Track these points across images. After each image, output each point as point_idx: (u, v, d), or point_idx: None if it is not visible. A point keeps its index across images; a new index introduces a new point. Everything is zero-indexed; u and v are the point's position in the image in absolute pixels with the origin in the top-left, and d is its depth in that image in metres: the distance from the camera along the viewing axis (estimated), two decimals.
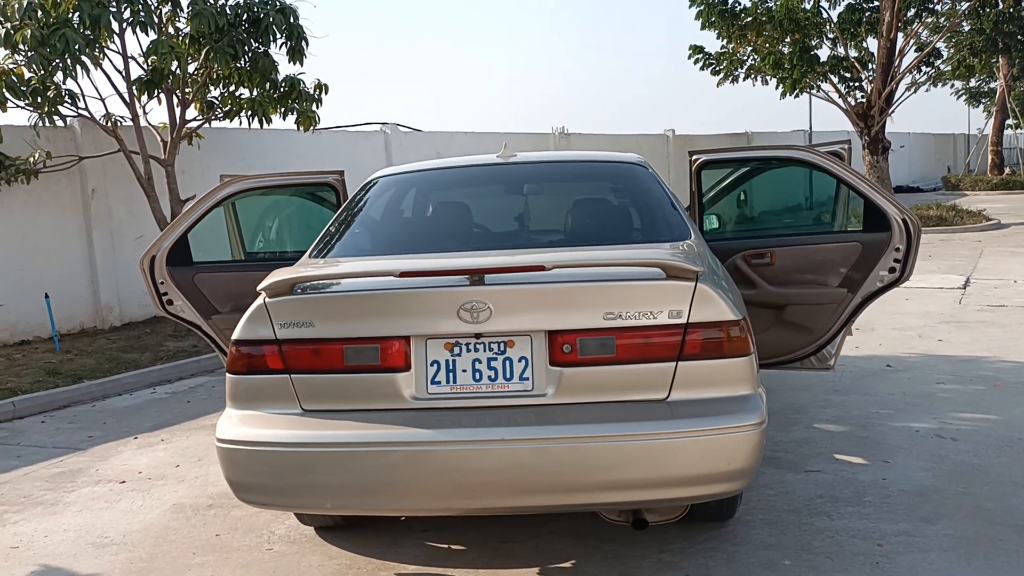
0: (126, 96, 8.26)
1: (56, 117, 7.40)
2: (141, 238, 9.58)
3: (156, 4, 7.89)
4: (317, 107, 9.05)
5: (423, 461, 2.74)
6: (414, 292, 2.87)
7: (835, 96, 18.65)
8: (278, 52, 8.58)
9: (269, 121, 8.74)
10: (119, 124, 8.60)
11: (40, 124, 7.50)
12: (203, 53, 7.87)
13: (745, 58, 19.22)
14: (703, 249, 3.42)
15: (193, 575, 3.60)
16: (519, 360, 2.85)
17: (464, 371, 2.86)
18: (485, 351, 2.86)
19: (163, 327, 9.27)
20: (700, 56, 19.45)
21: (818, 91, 18.77)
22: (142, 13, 7.45)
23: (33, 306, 8.61)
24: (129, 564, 3.73)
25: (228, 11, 8.04)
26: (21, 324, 8.69)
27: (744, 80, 19.80)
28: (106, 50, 7.77)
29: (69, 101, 7.51)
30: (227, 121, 9.03)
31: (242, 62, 8.22)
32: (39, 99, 7.19)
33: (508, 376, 2.85)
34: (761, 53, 18.64)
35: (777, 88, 18.43)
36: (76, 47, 6.85)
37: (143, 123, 8.58)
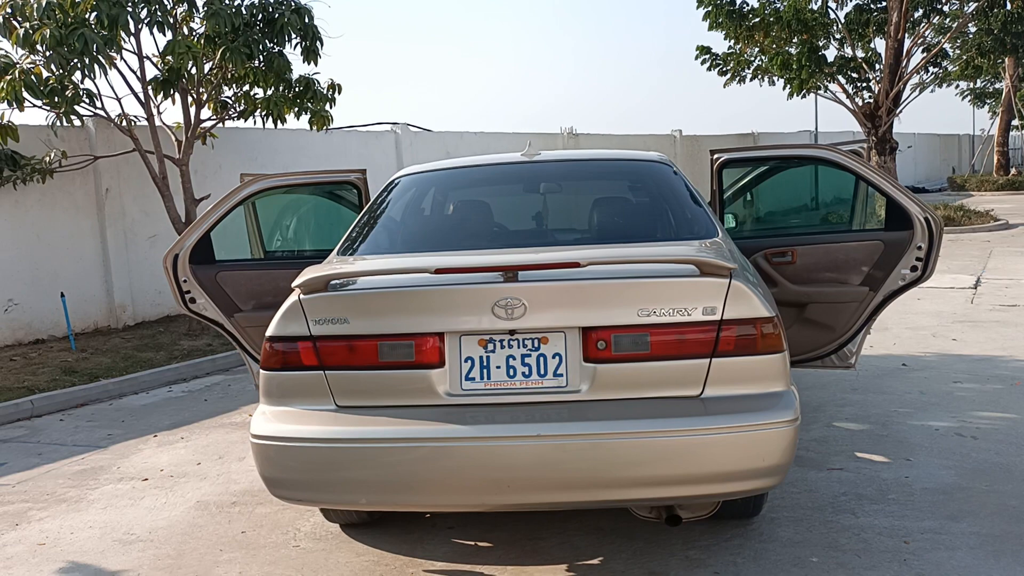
0: (141, 96, 8.28)
1: (73, 116, 7.42)
2: (154, 237, 9.62)
3: (172, 4, 7.91)
4: (330, 107, 9.07)
5: (458, 457, 2.76)
6: (449, 289, 2.88)
7: (843, 97, 18.64)
8: (292, 52, 8.61)
9: (284, 121, 8.76)
10: (134, 124, 8.64)
11: (58, 124, 7.51)
12: (218, 53, 7.88)
13: (752, 59, 19.23)
14: (732, 247, 3.43)
15: (221, 571, 3.61)
16: (553, 356, 2.86)
17: (498, 367, 2.87)
18: (519, 347, 2.87)
19: (177, 326, 9.29)
20: (707, 57, 19.46)
21: (825, 92, 18.76)
22: (159, 13, 7.47)
23: (48, 305, 8.64)
24: (157, 561, 3.75)
25: (244, 11, 8.06)
26: (36, 323, 8.72)
27: (751, 80, 19.80)
28: (123, 50, 7.79)
29: (87, 101, 7.53)
30: (240, 121, 9.06)
31: (257, 62, 8.23)
32: (56, 99, 7.21)
33: (542, 372, 2.87)
34: (769, 54, 18.64)
35: (784, 89, 18.42)
36: (94, 47, 6.87)
37: (158, 123, 8.60)
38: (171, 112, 9.64)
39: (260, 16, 8.24)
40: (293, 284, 2.94)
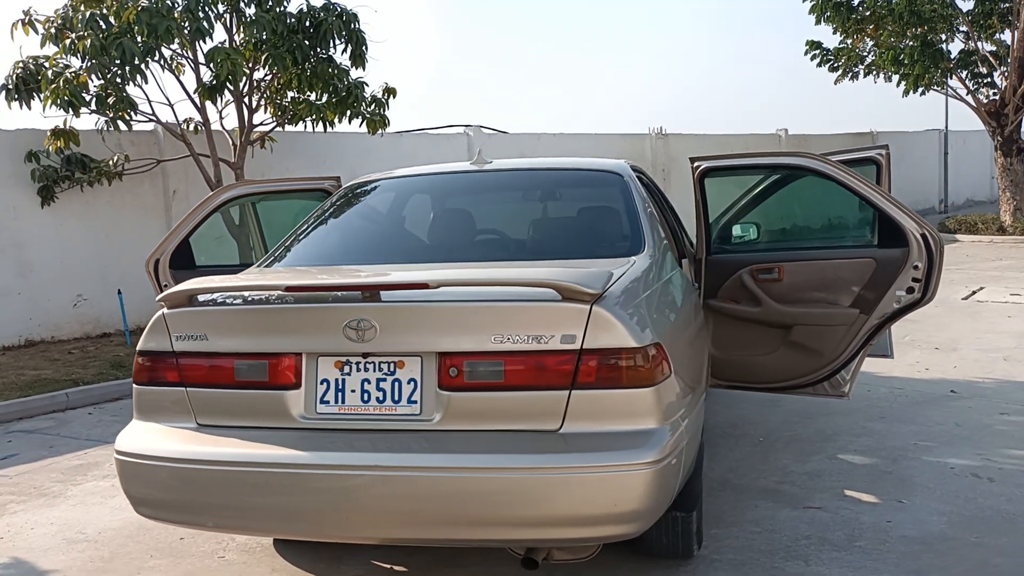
0: (198, 101, 8.58)
1: (121, 123, 7.76)
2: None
3: (221, 12, 8.15)
4: (382, 110, 9.13)
5: (302, 484, 2.64)
6: (302, 308, 2.78)
7: (963, 93, 17.32)
8: (341, 56, 8.72)
9: (333, 125, 8.89)
10: (198, 129, 8.96)
11: (106, 129, 7.89)
12: (263, 59, 8.07)
13: (865, 53, 18.15)
14: (646, 267, 3.14)
15: None
16: (408, 382, 2.71)
17: (353, 391, 2.74)
18: (375, 371, 2.73)
19: None
20: (817, 52, 18.52)
21: (943, 88, 17.47)
22: (204, 22, 7.71)
23: (115, 301, 9.08)
24: (88, 563, 3.82)
25: (287, 18, 8.21)
26: (104, 318, 9.20)
27: (865, 77, 18.70)
28: (164, 58, 8.07)
29: (130, 108, 7.83)
30: (295, 125, 9.24)
31: (302, 67, 8.37)
32: (101, 106, 7.56)
33: (396, 399, 2.71)
34: (883, 48, 17.53)
35: (898, 85, 17.29)
36: (134, 56, 7.16)
37: (216, 127, 8.89)
38: (234, 118, 9.95)
39: (308, 22, 8.38)
40: (157, 298, 2.91)
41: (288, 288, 2.74)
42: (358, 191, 4.06)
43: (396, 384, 2.71)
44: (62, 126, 8.00)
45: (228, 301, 2.90)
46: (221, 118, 9.03)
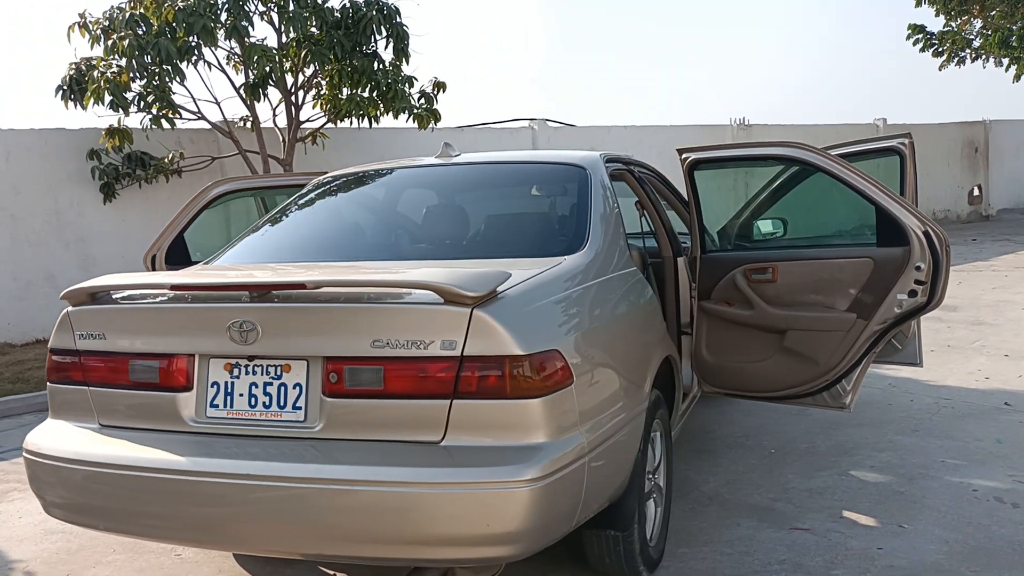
0: (245, 98, 8.71)
1: (164, 121, 7.95)
2: None
3: (264, 10, 8.23)
4: (431, 105, 9.06)
5: (183, 491, 2.55)
6: (189, 308, 2.69)
7: None
8: (384, 51, 8.69)
9: (377, 120, 8.87)
10: (254, 127, 9.11)
11: (149, 128, 8.09)
12: (302, 56, 8.12)
13: (972, 36, 16.99)
14: (574, 267, 2.92)
15: (97, 571, 3.66)
16: (294, 387, 2.58)
17: (241, 395, 2.64)
18: (262, 374, 2.62)
19: None
20: (920, 36, 17.47)
21: None
22: (243, 22, 7.81)
23: None
24: (54, 554, 3.87)
25: (326, 14, 8.22)
26: None
27: (973, 62, 17.51)
28: (203, 57, 8.21)
29: (169, 106, 8.01)
30: (342, 122, 9.27)
31: (344, 63, 8.37)
32: (143, 104, 7.77)
33: (282, 404, 2.59)
34: (992, 29, 16.37)
35: (1007, 70, 16.10)
36: (171, 55, 7.32)
37: (268, 124, 9.01)
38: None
39: (351, 17, 8.38)
40: (60, 295, 2.89)
41: (173, 287, 2.67)
42: (318, 187, 3.97)
43: (282, 389, 2.59)
44: (116, 125, 8.27)
45: (124, 299, 2.85)
46: (274, 115, 9.16)
